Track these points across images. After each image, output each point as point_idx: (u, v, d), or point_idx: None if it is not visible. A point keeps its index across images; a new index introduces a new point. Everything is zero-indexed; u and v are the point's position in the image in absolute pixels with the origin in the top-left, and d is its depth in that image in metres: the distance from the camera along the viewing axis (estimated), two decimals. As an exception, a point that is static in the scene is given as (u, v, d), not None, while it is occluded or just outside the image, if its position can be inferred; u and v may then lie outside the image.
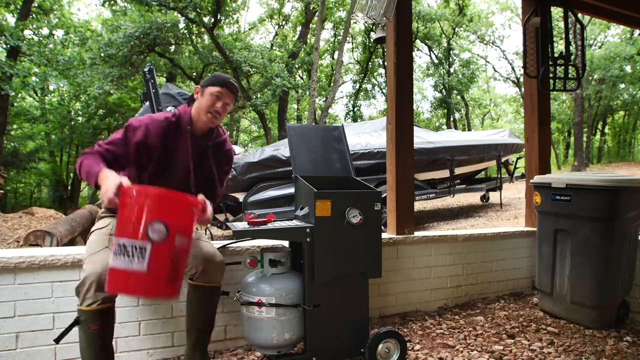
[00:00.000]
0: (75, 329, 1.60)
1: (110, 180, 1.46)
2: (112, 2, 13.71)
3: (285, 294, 1.81)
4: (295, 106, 23.24)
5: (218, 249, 2.08)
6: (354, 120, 21.98)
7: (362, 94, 23.62)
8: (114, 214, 1.76)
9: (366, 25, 17.54)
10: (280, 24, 21.27)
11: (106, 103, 15.33)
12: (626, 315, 2.53)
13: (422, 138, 6.50)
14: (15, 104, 16.06)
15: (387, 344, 1.94)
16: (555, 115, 20.92)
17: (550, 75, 3.17)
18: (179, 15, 12.69)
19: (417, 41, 20.81)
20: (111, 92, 13.50)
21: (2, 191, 11.56)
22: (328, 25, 20.55)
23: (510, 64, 23.13)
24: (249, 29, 22.07)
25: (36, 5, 14.68)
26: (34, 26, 14.83)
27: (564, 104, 21.42)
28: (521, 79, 20.54)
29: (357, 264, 1.91)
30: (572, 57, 3.21)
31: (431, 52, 22.71)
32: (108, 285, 1.43)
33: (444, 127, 23.78)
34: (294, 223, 1.93)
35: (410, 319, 2.56)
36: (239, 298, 1.89)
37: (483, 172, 9.31)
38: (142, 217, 1.40)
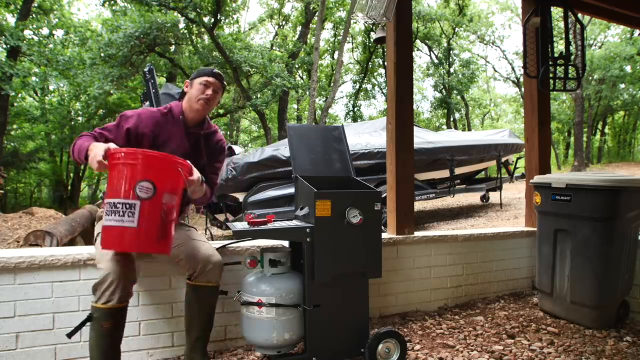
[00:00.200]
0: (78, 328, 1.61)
1: (98, 147, 1.56)
2: (112, 2, 13.70)
3: (285, 294, 1.81)
4: (295, 106, 23.23)
5: (218, 249, 2.08)
6: (354, 120, 21.97)
7: (362, 94, 23.61)
8: None
9: (366, 25, 17.54)
10: (280, 24, 21.27)
11: (106, 103, 15.31)
12: (626, 315, 2.53)
13: (422, 138, 6.50)
14: (15, 104, 16.05)
15: (387, 344, 1.94)
16: (555, 115, 20.91)
17: (550, 75, 3.17)
18: (179, 15, 12.69)
19: (417, 41, 20.80)
20: (111, 92, 13.48)
21: (2, 191, 11.56)
22: (328, 25, 20.55)
23: (510, 64, 23.14)
24: (249, 29, 22.07)
25: (36, 5, 14.67)
26: (34, 26, 14.83)
27: (564, 104, 21.41)
28: (521, 79, 20.54)
29: (357, 264, 1.91)
30: (572, 57, 3.21)
31: (431, 52, 22.72)
32: (103, 242, 1.53)
33: (444, 127, 23.78)
34: (294, 223, 1.93)
35: (410, 319, 2.56)
36: (238, 298, 1.89)
37: (483, 172, 9.31)
38: (130, 177, 1.50)
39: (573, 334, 2.33)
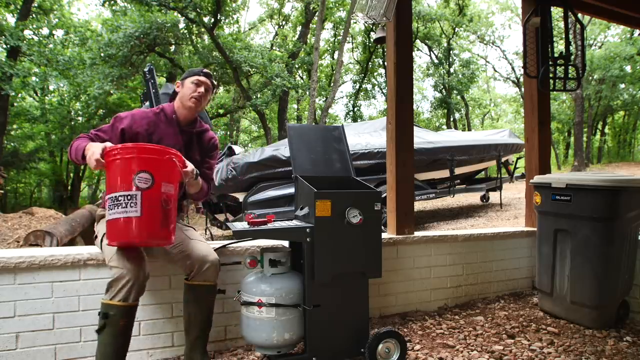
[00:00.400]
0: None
1: (95, 146, 1.63)
2: (112, 2, 13.70)
3: (285, 294, 1.81)
4: (295, 106, 23.23)
5: (218, 249, 2.09)
6: (354, 120, 21.96)
7: (362, 94, 23.61)
8: None
9: (366, 25, 17.54)
10: (280, 24, 21.26)
11: (106, 103, 15.32)
12: (626, 315, 2.53)
13: (422, 138, 6.50)
14: (15, 104, 16.05)
15: (387, 344, 1.94)
16: (555, 115, 20.91)
17: (550, 75, 3.17)
18: (179, 15, 12.68)
19: (417, 41, 20.80)
20: (111, 92, 13.49)
21: (2, 191, 11.56)
22: (328, 25, 20.54)
23: (510, 64, 23.12)
24: (249, 29, 22.06)
25: (36, 5, 14.67)
26: (34, 26, 14.82)
27: (564, 104, 21.41)
28: (521, 79, 20.54)
29: (357, 264, 1.91)
30: (572, 57, 3.21)
31: (431, 52, 22.71)
32: (109, 236, 1.58)
33: (444, 127, 23.77)
34: (294, 223, 1.93)
35: (410, 319, 2.56)
36: (238, 298, 1.89)
37: (483, 172, 9.31)
38: (128, 170, 1.57)
39: (573, 334, 2.33)
